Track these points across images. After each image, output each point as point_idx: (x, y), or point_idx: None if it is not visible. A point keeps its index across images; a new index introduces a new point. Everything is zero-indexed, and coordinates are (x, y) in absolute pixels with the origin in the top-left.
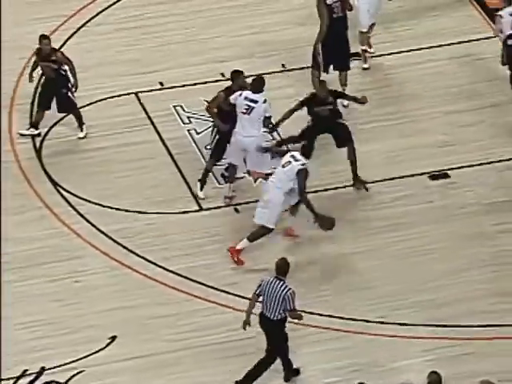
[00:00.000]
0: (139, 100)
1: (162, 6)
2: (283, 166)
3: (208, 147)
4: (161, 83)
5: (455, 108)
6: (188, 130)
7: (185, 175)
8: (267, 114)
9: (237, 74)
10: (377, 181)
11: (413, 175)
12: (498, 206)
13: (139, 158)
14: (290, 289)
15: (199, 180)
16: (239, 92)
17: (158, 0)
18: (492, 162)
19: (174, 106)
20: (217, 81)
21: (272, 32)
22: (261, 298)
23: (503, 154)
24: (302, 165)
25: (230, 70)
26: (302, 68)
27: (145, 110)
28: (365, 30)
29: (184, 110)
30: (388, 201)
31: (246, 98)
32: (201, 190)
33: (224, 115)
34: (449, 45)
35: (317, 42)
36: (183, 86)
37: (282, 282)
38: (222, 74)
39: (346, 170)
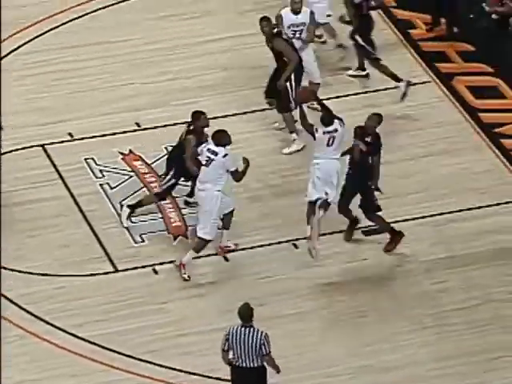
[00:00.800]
0: (46, 153)
1: (73, 50)
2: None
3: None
4: (70, 134)
5: (389, 159)
6: (101, 185)
7: (97, 234)
8: (232, 169)
9: (197, 115)
10: (306, 237)
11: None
12: (437, 263)
13: (48, 215)
14: (262, 332)
15: (129, 206)
16: (204, 144)
17: (71, 43)
18: (429, 216)
19: (86, 159)
20: (134, 130)
21: (191, 77)
22: (231, 353)
23: (440, 208)
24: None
25: (145, 118)
26: (226, 116)
27: (53, 163)
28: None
29: (96, 163)
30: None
31: (208, 150)
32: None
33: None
34: (385, 89)
35: (283, 79)
36: (95, 136)
37: (251, 329)
38: (137, 124)
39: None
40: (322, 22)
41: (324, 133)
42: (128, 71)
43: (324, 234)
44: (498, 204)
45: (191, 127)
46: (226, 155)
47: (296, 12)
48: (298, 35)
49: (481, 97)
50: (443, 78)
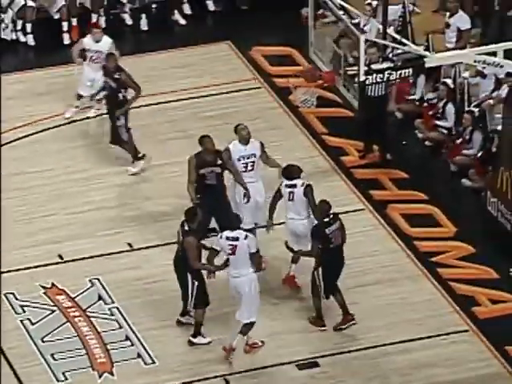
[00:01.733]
0: None
1: None
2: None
3: None
4: None
5: None
6: (21, 321)
7: (17, 372)
8: (253, 250)
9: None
10: (242, 371)
11: (281, 364)
12: None
13: None
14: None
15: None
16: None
17: None
18: (364, 349)
19: (6, 294)
20: (56, 263)
21: (115, 208)
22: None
23: (376, 340)
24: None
25: (67, 250)
26: (149, 247)
27: None
28: None
29: (17, 299)
30: None
31: (227, 238)
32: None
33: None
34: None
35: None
36: (17, 270)
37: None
38: (60, 256)
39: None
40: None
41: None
42: (48, 202)
43: (256, 369)
44: (435, 336)
45: None
46: (246, 236)
47: (244, 142)
48: (249, 167)
49: (416, 225)
50: (377, 205)
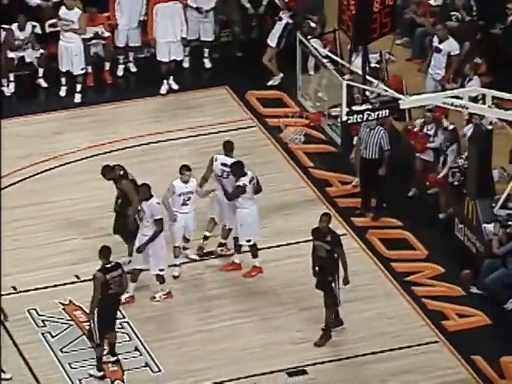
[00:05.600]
0: None
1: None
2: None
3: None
4: (14, 287)
5: (309, 304)
6: (42, 334)
7: (39, 379)
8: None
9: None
10: (233, 379)
11: (271, 372)
12: None
13: None
14: None
15: None
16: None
17: (7, 204)
18: (348, 358)
19: (29, 310)
20: (73, 282)
21: None
22: None
23: (357, 350)
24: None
25: (83, 271)
26: None
27: None
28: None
29: (39, 314)
30: None
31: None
32: None
33: None
34: (297, 243)
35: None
36: (37, 289)
37: None
38: (77, 276)
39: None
40: None
41: None
42: (66, 228)
43: (247, 377)
44: (410, 346)
45: None
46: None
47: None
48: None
49: (392, 248)
50: (358, 230)
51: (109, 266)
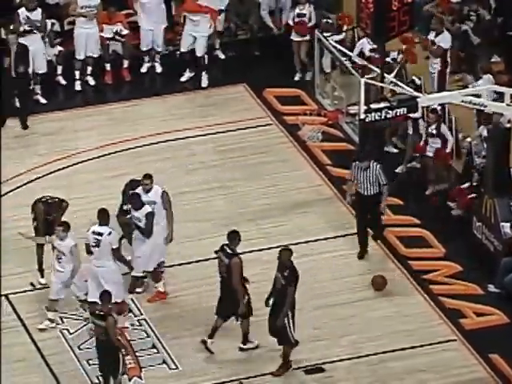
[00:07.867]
0: (10, 302)
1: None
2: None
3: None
4: (32, 284)
5: (326, 302)
6: (61, 331)
7: (57, 375)
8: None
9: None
10: (258, 375)
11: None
12: None
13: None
14: None
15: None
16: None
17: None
18: (365, 356)
19: (46, 307)
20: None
21: None
22: None
23: (374, 348)
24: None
25: None
26: (173, 265)
27: (16, 311)
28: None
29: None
30: None
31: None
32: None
33: None
34: (315, 241)
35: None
36: None
37: None
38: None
39: None
40: None
41: None
42: (81, 226)
43: (264, 374)
44: (426, 344)
45: None
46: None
47: (147, 191)
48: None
49: (410, 246)
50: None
51: None
